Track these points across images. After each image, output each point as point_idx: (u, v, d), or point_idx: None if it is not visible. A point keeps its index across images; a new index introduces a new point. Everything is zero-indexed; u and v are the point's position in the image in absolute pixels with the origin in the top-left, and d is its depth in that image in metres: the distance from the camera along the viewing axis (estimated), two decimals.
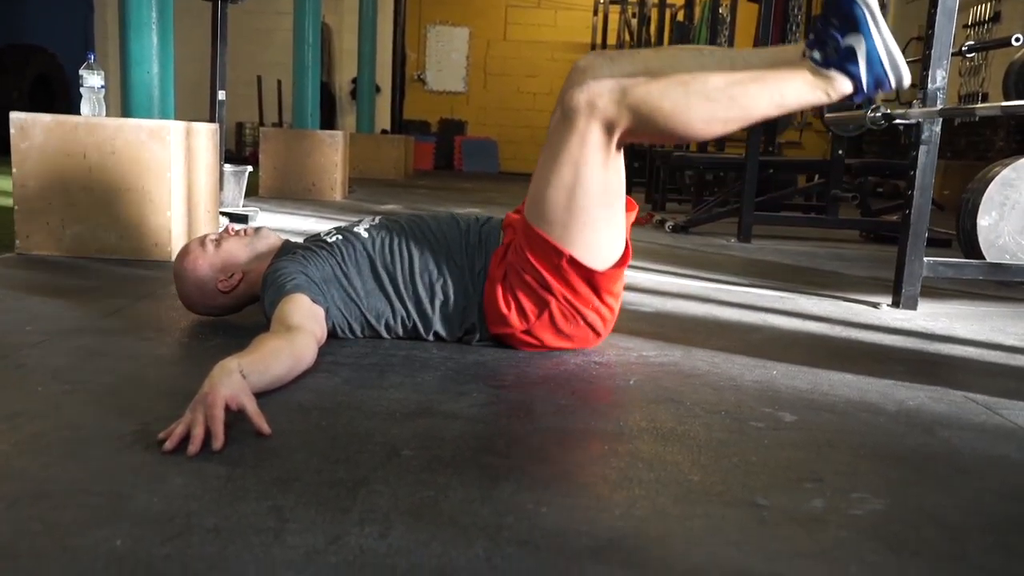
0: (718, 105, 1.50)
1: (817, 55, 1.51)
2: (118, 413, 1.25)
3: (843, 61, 1.49)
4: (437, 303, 1.70)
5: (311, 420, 1.26)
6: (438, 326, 1.73)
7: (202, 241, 1.78)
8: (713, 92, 1.50)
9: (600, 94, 1.51)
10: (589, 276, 1.62)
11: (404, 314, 1.71)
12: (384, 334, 1.74)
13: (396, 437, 1.20)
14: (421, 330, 1.74)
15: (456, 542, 0.90)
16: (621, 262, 1.64)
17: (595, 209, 1.57)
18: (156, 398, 1.33)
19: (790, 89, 1.52)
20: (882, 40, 1.48)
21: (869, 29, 1.48)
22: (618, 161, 1.58)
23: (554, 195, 1.57)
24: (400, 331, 1.74)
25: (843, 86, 1.51)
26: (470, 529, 0.93)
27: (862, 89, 1.50)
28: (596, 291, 1.64)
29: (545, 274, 1.61)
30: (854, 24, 1.48)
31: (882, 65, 1.48)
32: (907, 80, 1.51)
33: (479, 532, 0.93)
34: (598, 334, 1.74)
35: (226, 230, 1.82)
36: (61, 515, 0.91)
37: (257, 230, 1.83)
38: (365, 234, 1.74)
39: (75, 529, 0.89)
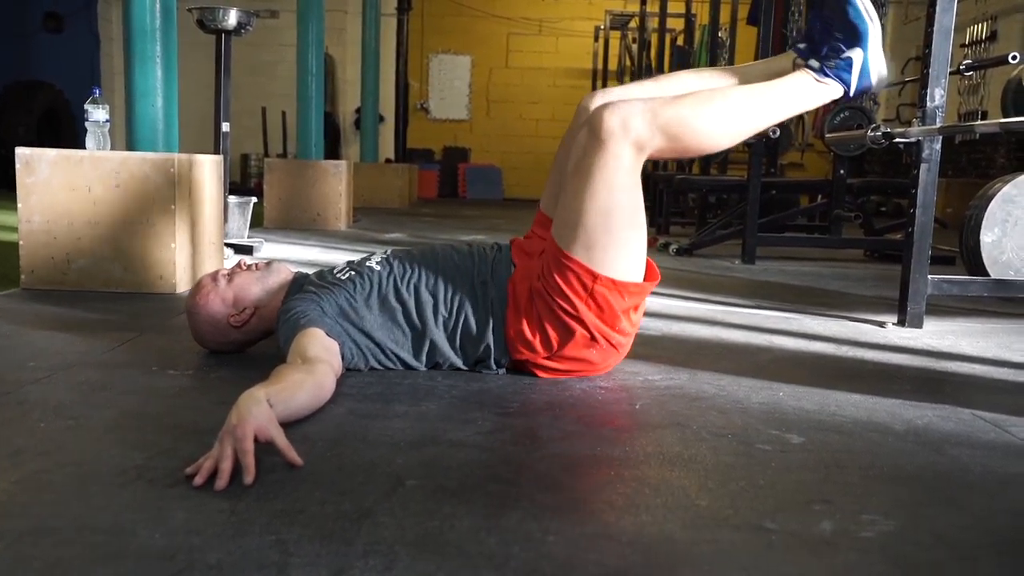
0: (741, 118, 1.64)
1: (815, 64, 1.68)
2: (121, 448, 1.24)
3: (840, 71, 1.66)
4: (453, 335, 1.69)
5: (316, 451, 1.25)
6: (453, 358, 1.71)
7: (214, 276, 1.78)
8: (735, 107, 1.63)
9: (632, 115, 1.55)
10: (621, 291, 1.62)
11: (419, 347, 1.70)
12: (398, 367, 1.73)
13: (401, 467, 1.20)
14: (439, 361, 1.72)
15: (462, 573, 0.89)
16: (650, 277, 1.69)
17: (627, 229, 1.61)
18: (160, 432, 1.33)
19: (797, 97, 1.68)
20: (877, 53, 1.68)
21: (869, 44, 1.66)
22: (639, 180, 1.64)
23: (590, 219, 1.58)
24: (415, 364, 1.72)
25: (836, 92, 1.69)
26: (476, 559, 0.92)
27: (849, 94, 1.69)
28: (623, 310, 1.65)
29: (576, 300, 1.61)
30: (857, 39, 1.66)
31: (871, 75, 1.68)
32: (885, 81, 1.72)
33: (485, 562, 0.92)
34: (616, 356, 1.74)
35: (238, 265, 1.81)
36: (63, 552, 0.91)
37: (268, 264, 1.82)
38: (377, 267, 1.72)
39: (77, 566, 0.88)
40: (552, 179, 1.84)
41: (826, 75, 1.66)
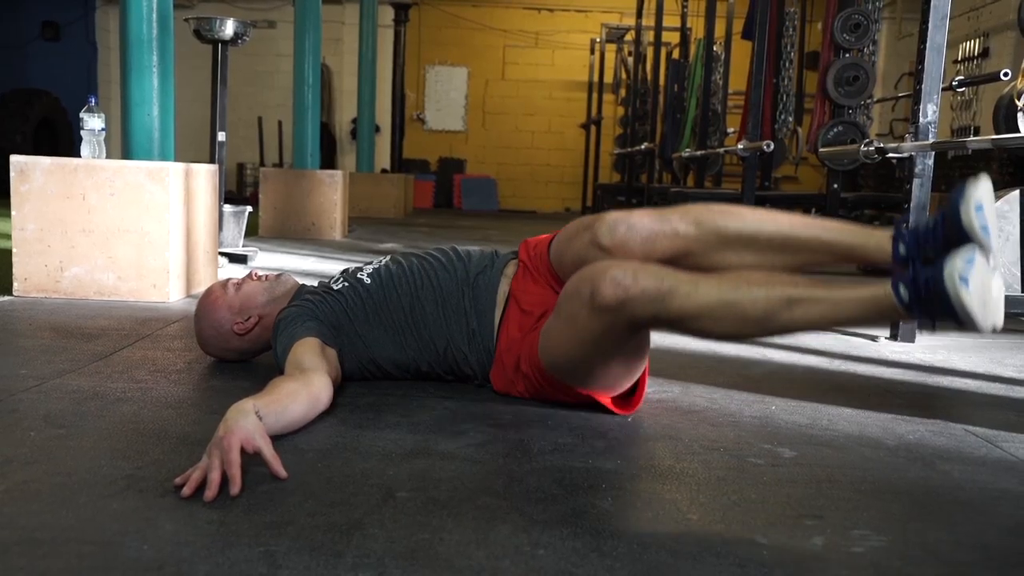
0: (766, 327, 1.35)
1: (904, 295, 1.28)
2: (111, 458, 1.24)
3: (932, 316, 1.27)
4: (436, 355, 1.69)
5: (306, 461, 1.25)
6: (441, 371, 1.72)
7: (224, 284, 1.81)
8: (765, 317, 1.32)
9: (634, 299, 1.33)
10: (609, 400, 1.59)
11: (409, 359, 1.70)
12: (387, 377, 1.74)
13: (392, 478, 1.19)
14: (427, 373, 1.73)
15: None
16: (636, 399, 1.60)
17: (621, 373, 1.53)
18: (150, 442, 1.32)
19: (854, 318, 1.32)
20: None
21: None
22: (640, 332, 1.46)
23: (579, 366, 1.50)
24: (406, 374, 1.74)
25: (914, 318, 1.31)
26: (465, 572, 0.92)
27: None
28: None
29: (564, 398, 1.60)
30: (959, 326, 1.27)
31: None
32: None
33: None
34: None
35: (251, 275, 1.83)
36: (51, 564, 0.90)
37: (279, 276, 1.84)
38: (368, 280, 1.71)
39: None
40: (562, 243, 1.63)
41: (911, 310, 1.28)
